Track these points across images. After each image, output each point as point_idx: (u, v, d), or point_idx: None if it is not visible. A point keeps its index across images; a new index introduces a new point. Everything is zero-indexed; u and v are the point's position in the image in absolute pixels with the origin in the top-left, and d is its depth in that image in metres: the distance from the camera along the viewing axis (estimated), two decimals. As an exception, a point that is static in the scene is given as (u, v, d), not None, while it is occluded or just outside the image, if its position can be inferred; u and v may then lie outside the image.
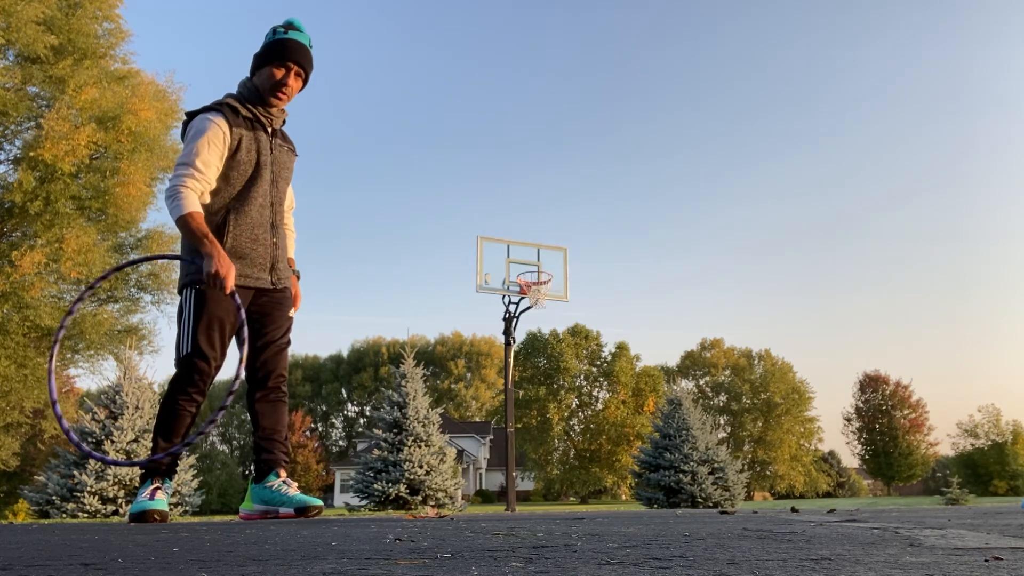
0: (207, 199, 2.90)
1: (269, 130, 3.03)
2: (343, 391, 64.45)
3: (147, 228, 18.35)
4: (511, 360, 14.20)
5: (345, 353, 66.05)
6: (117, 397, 10.68)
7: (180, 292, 2.97)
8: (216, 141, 2.86)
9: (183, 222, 2.78)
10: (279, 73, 2.95)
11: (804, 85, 76.07)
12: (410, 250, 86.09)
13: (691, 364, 56.88)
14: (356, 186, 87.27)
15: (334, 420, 65.40)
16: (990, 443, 49.01)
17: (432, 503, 11.37)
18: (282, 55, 2.95)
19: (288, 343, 3.12)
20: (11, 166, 16.52)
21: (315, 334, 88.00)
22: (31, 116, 16.15)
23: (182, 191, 2.80)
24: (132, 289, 18.37)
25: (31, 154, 14.82)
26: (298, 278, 3.32)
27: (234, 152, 2.91)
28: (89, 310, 17.58)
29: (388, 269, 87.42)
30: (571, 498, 47.75)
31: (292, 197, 3.33)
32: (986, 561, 1.13)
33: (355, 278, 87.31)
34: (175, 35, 78.93)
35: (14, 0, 14.15)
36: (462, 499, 13.19)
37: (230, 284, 2.75)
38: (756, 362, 55.30)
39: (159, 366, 61.51)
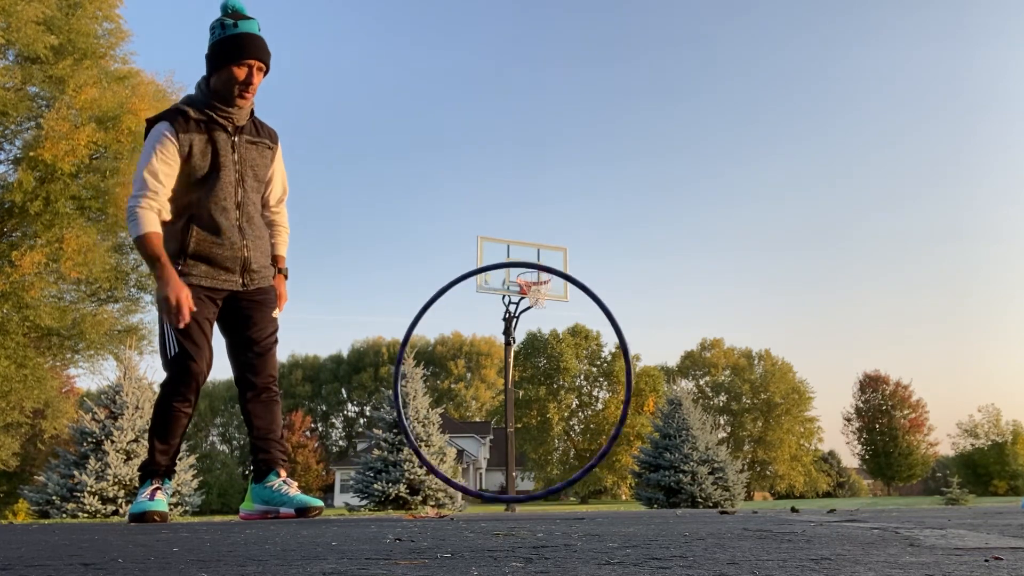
0: (167, 215, 2.85)
1: (230, 128, 2.93)
2: (343, 391, 64.46)
3: (147, 228, 18.35)
4: (511, 360, 14.21)
5: (345, 353, 66.10)
6: (117, 397, 10.70)
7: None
8: (166, 152, 2.79)
9: (139, 243, 2.75)
10: (241, 73, 2.82)
11: (803, 84, 76.11)
12: (410, 250, 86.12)
13: (691, 364, 56.88)
14: (356, 186, 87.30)
15: (334, 420, 65.43)
16: (990, 443, 49.01)
17: (432, 503, 11.37)
18: (240, 53, 2.80)
19: (274, 343, 3.08)
20: (11, 166, 16.54)
21: (315, 334, 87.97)
22: (31, 116, 16.16)
23: (139, 212, 2.74)
24: (132, 289, 18.39)
25: (31, 154, 14.83)
26: (285, 277, 3.24)
27: (187, 158, 2.84)
28: (89, 310, 17.59)
29: (388, 269, 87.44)
30: (571, 498, 47.77)
31: (284, 187, 3.23)
32: (986, 561, 1.13)
33: (355, 278, 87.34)
34: (175, 35, 78.92)
35: (14, 0, 14.16)
36: (462, 499, 13.17)
37: (185, 310, 2.70)
38: (756, 362, 55.31)
39: (159, 366, 61.14)
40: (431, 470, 2.41)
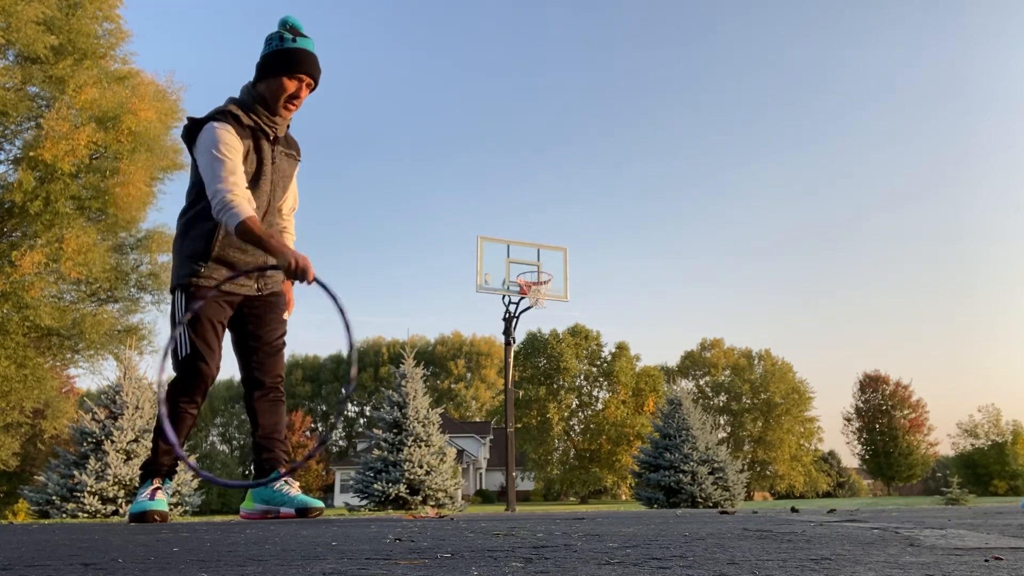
0: (255, 202, 2.86)
1: (272, 137, 2.96)
2: (343, 391, 64.37)
3: (147, 228, 18.39)
4: (511, 360, 14.20)
5: (345, 353, 66.04)
6: (117, 397, 10.69)
7: (172, 294, 2.97)
8: (235, 146, 2.81)
9: (242, 228, 2.69)
10: (291, 86, 2.86)
11: (803, 85, 76.11)
12: (410, 250, 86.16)
13: (691, 364, 56.85)
14: (356, 186, 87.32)
15: (334, 420, 65.39)
16: (990, 443, 48.99)
17: (432, 503, 11.37)
18: (294, 67, 2.84)
19: (283, 344, 3.13)
20: (11, 166, 16.53)
21: (315, 334, 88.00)
22: (31, 116, 16.15)
23: (231, 199, 2.72)
24: (132, 289, 18.38)
25: (31, 154, 14.82)
26: (292, 283, 3.26)
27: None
28: (89, 310, 17.58)
29: (388, 269, 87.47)
30: (571, 498, 47.74)
31: (295, 198, 3.28)
32: (986, 561, 1.13)
33: (355, 278, 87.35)
34: (175, 35, 78.94)
35: (14, 0, 14.15)
36: (462, 499, 13.19)
37: (311, 273, 2.68)
38: (756, 362, 55.28)
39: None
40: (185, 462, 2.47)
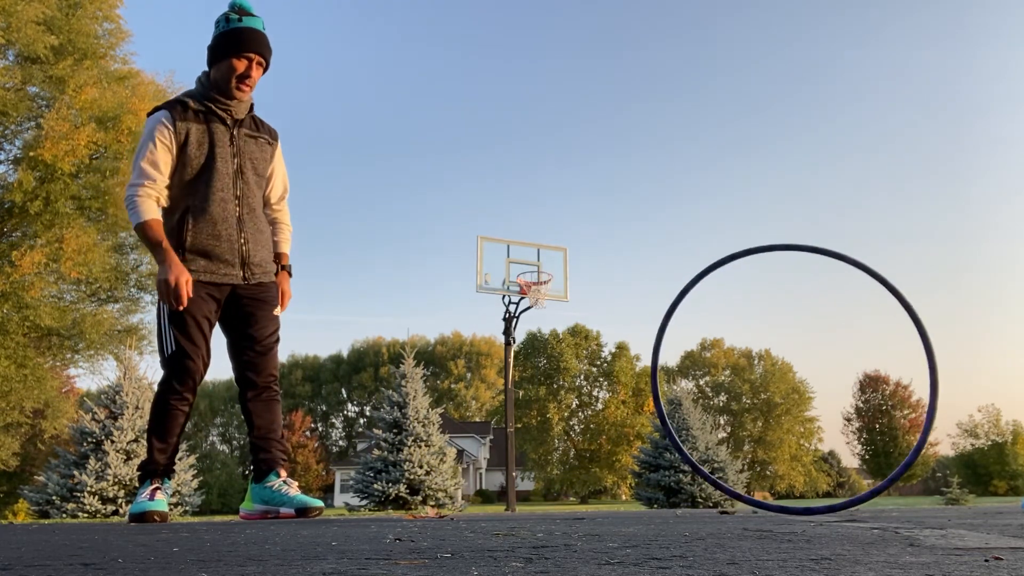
0: (164, 202, 2.90)
1: (229, 121, 2.94)
2: (343, 391, 64.43)
3: (147, 228, 18.36)
4: (511, 360, 14.21)
5: (345, 353, 66.07)
6: (117, 397, 10.69)
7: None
8: (162, 140, 2.83)
9: (140, 230, 2.82)
10: (240, 66, 2.86)
11: (803, 83, 76.09)
12: (410, 250, 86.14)
13: (691, 364, 56.84)
14: (356, 186, 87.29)
15: (334, 420, 65.40)
16: (990, 443, 49.03)
17: (432, 503, 11.37)
18: (241, 47, 2.84)
19: (276, 341, 3.07)
20: (11, 166, 16.53)
21: (315, 334, 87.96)
22: (31, 116, 16.16)
23: (138, 200, 2.81)
24: (132, 289, 18.38)
25: (31, 154, 14.83)
26: (289, 275, 3.23)
27: (182, 147, 2.86)
28: (89, 310, 17.59)
29: (388, 269, 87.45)
30: (571, 498, 47.74)
31: (284, 185, 3.22)
32: (986, 561, 1.13)
33: (355, 278, 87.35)
34: (175, 35, 78.91)
35: (14, 0, 14.15)
36: (462, 499, 13.21)
37: (184, 295, 2.75)
38: (756, 362, 55.27)
39: (159, 366, 61.26)
40: (709, 480, 2.32)
